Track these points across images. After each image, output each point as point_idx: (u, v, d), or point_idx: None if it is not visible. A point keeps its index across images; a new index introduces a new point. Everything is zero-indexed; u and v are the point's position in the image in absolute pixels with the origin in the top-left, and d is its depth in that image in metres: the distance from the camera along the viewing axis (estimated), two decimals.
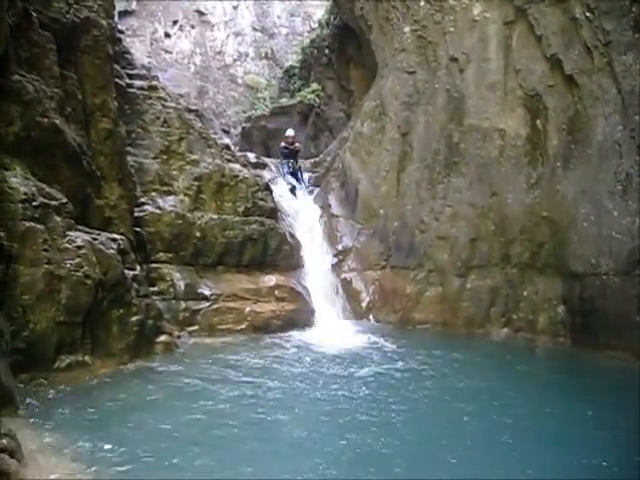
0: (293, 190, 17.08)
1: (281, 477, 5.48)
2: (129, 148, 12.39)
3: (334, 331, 13.16)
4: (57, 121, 9.01)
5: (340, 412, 7.47)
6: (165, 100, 13.81)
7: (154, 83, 14.00)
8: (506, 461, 6.10)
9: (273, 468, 5.69)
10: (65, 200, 8.78)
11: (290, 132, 18.47)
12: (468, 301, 14.02)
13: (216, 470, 5.45)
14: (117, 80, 12.19)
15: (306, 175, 18.13)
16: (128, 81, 13.26)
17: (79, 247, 8.54)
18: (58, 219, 8.44)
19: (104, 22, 10.94)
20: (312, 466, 5.73)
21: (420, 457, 6.21)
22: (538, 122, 13.70)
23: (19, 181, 8.01)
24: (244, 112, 27.17)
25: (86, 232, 9.02)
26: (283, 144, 17.82)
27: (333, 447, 6.26)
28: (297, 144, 18.05)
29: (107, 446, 5.75)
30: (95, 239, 9.06)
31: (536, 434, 7.04)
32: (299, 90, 23.46)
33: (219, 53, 29.69)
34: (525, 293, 13.51)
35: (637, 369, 10.50)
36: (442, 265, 14.55)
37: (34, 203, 8.04)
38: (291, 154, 17.55)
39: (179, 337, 11.08)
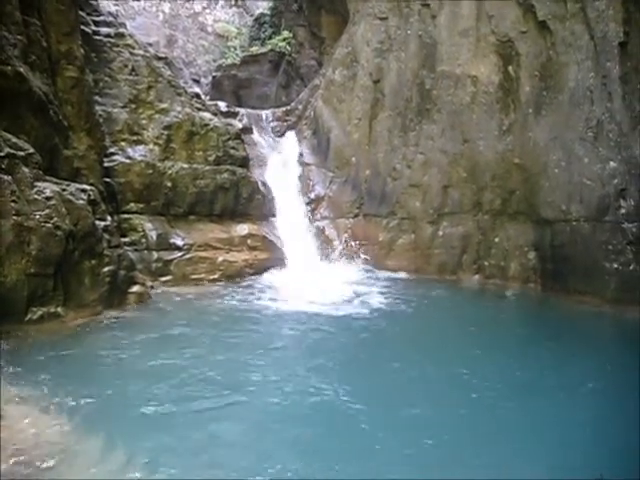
0: None
1: None
2: (97, 97, 12.18)
3: (306, 280, 13.19)
4: (21, 69, 8.76)
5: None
6: (133, 48, 13.54)
7: (121, 30, 13.71)
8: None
9: None
10: (32, 150, 8.59)
11: None
12: (440, 248, 14.14)
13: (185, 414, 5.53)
14: (83, 27, 11.90)
15: None
16: (94, 28, 12.97)
17: (48, 198, 8.39)
18: (26, 170, 8.27)
19: None
20: None
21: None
22: (510, 68, 13.65)
23: None
24: (214, 61, 26.70)
25: (55, 183, 8.84)
26: None
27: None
28: None
29: (79, 397, 5.73)
30: (64, 190, 8.91)
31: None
32: (270, 38, 23.09)
33: (188, 1, 29.05)
34: (496, 240, 13.63)
35: (605, 313, 10.79)
36: (414, 212, 14.63)
37: (0, 154, 7.88)
38: None
39: (152, 287, 11.05)
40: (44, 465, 4.33)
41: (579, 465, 4.81)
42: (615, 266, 11.38)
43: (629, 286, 11.16)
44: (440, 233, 14.24)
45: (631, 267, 11.23)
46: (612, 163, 11.64)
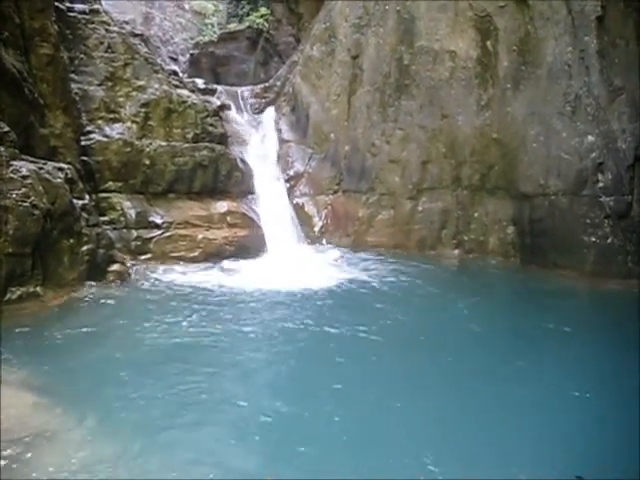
0: None
1: None
2: (72, 75, 12.00)
3: (287, 256, 13.21)
4: None
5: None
6: (108, 24, 13.35)
7: (96, 7, 13.48)
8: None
9: None
10: (7, 129, 8.50)
11: None
12: (420, 223, 14.18)
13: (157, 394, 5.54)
14: (56, 3, 11.72)
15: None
16: (68, 4, 12.75)
17: (24, 177, 8.32)
18: (1, 149, 8.20)
19: None
20: None
21: None
22: (488, 43, 13.64)
23: None
24: (192, 39, 26.46)
25: (31, 161, 8.76)
26: None
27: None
28: None
29: (58, 376, 5.78)
30: (41, 168, 8.84)
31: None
32: (247, 15, 22.92)
33: None
34: (476, 215, 13.69)
35: (583, 286, 10.94)
36: (394, 188, 14.65)
37: None
38: None
39: (132, 266, 11.02)
40: None
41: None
42: (593, 239, 11.50)
43: (607, 259, 11.32)
44: (419, 208, 14.28)
45: (609, 240, 11.35)
46: (590, 137, 11.72)
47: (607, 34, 11.70)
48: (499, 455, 4.61)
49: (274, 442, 4.81)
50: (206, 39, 23.50)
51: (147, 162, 12.70)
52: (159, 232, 12.27)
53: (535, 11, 12.64)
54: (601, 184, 11.55)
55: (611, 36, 11.69)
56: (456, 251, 13.78)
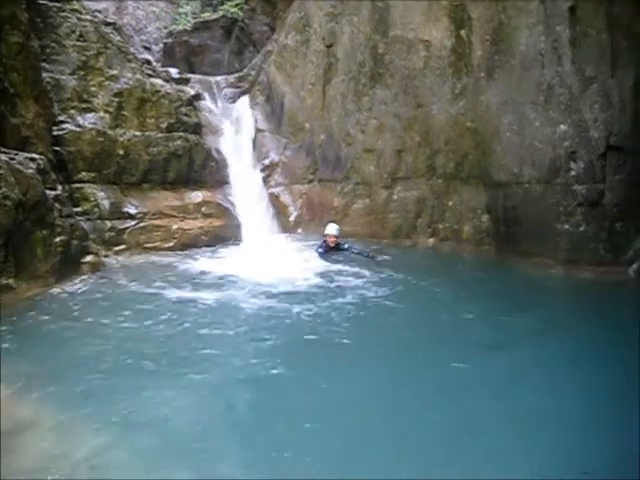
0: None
1: None
2: (44, 64, 11.83)
3: (261, 245, 13.21)
4: None
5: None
6: (80, 13, 13.20)
7: None
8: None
9: None
10: None
11: (331, 230, 12.75)
12: (395, 212, 14.23)
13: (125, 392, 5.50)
14: None
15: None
16: None
17: None
18: None
19: None
20: None
21: None
22: (462, 33, 13.63)
23: None
24: (165, 28, 26.26)
25: (2, 152, 8.68)
26: (324, 241, 12.77)
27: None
28: (339, 240, 12.81)
29: (31, 369, 5.78)
30: (12, 159, 8.75)
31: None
32: (222, 4, 22.82)
33: None
34: (450, 203, 13.72)
35: (557, 274, 11.03)
36: (369, 177, 14.70)
37: None
38: (334, 248, 12.77)
39: (106, 257, 10.98)
40: None
41: None
42: (566, 227, 11.56)
43: (579, 247, 11.39)
44: (395, 197, 14.32)
45: (581, 228, 11.42)
46: (562, 126, 11.77)
47: (579, 24, 11.73)
48: None
49: None
50: (180, 28, 23.32)
51: (121, 152, 12.63)
52: (133, 223, 12.24)
53: (508, 0, 12.66)
54: (573, 172, 11.61)
55: (583, 26, 11.72)
56: (431, 239, 13.84)
